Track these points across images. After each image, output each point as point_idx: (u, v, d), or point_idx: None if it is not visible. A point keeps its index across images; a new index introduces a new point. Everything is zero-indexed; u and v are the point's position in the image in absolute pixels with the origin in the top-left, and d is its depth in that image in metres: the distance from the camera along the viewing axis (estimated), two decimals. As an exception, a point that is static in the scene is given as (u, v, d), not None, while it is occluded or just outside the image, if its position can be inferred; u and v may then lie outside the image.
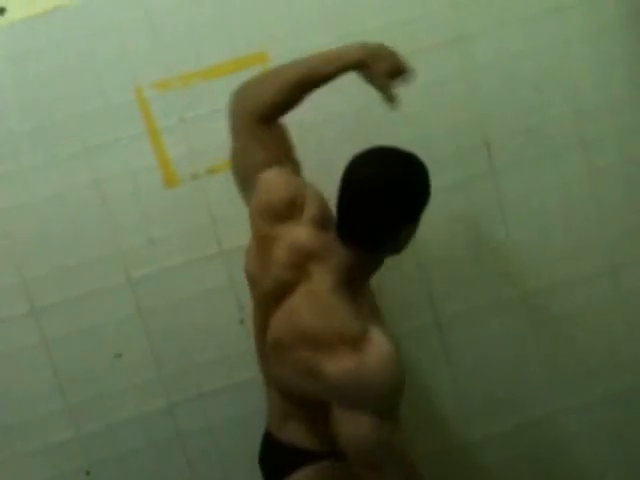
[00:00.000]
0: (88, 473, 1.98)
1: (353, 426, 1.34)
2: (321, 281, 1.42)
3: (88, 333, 1.94)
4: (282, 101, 1.54)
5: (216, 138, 1.87)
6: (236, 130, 1.59)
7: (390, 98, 1.54)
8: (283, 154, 1.57)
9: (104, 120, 1.89)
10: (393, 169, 1.35)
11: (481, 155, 1.99)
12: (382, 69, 1.50)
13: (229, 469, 2.03)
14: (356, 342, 1.33)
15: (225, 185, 1.87)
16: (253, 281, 1.56)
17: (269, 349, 1.50)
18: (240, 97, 1.59)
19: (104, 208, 1.91)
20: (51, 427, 1.96)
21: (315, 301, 1.41)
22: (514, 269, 2.04)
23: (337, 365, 1.33)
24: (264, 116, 1.54)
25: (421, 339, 2.03)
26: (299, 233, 1.47)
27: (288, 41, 1.90)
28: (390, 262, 1.53)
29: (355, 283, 1.45)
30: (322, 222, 1.49)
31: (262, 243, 1.51)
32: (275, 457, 1.58)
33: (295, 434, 1.54)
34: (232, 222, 1.90)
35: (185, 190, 1.92)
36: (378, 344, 1.33)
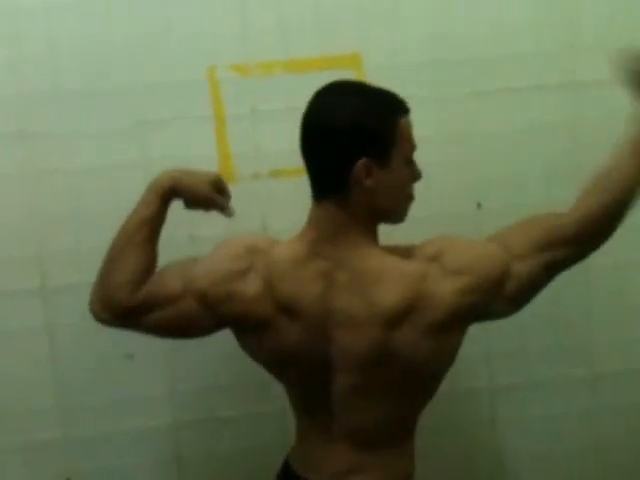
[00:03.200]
0: (68, 482, 1.77)
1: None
2: (362, 245, 1.32)
3: (98, 324, 1.70)
4: (146, 263, 1.42)
5: (288, 138, 1.66)
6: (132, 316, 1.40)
7: (226, 212, 1.52)
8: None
9: (166, 95, 1.69)
10: (322, 109, 1.32)
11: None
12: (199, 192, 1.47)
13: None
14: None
15: (287, 193, 1.69)
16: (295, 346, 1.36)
17: (366, 359, 1.32)
18: (107, 292, 1.42)
19: (146, 191, 1.70)
20: (37, 424, 1.74)
21: (392, 254, 1.32)
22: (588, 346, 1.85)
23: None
24: (140, 284, 1.39)
25: (470, 403, 1.83)
26: (279, 250, 1.37)
27: (385, 46, 1.71)
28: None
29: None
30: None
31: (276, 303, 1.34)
32: None
33: None
34: (284, 235, 1.69)
35: (242, 190, 1.69)
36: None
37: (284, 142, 1.68)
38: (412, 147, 1.34)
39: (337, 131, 1.27)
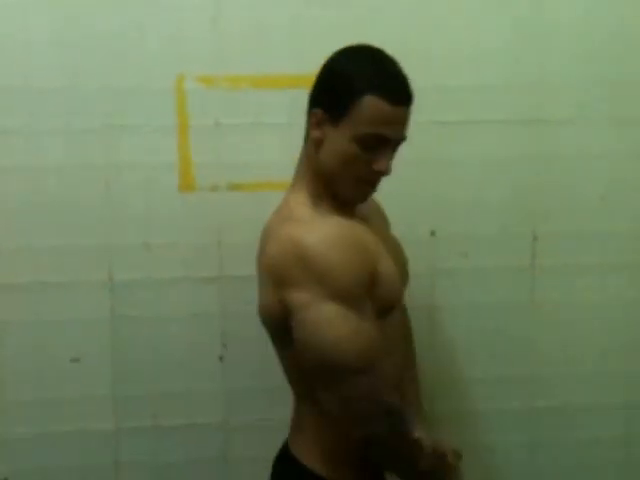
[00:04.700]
0: (6, 480, 1.75)
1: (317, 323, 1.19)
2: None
3: (48, 325, 1.72)
4: None
5: (249, 154, 1.71)
6: None
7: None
8: None
9: (133, 100, 1.68)
10: (338, 54, 1.35)
11: (524, 250, 1.82)
12: None
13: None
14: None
15: (244, 206, 1.70)
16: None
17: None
18: None
19: (105, 194, 1.70)
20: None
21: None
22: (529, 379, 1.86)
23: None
24: None
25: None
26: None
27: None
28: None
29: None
30: None
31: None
32: (282, 470, 1.40)
33: (301, 448, 1.36)
34: (239, 249, 1.69)
35: (199, 200, 1.71)
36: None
37: (245, 156, 1.72)
38: (369, 132, 1.26)
39: (317, 78, 1.34)
